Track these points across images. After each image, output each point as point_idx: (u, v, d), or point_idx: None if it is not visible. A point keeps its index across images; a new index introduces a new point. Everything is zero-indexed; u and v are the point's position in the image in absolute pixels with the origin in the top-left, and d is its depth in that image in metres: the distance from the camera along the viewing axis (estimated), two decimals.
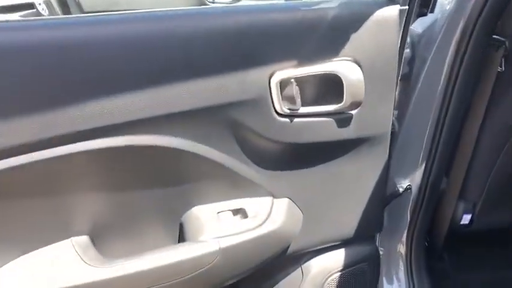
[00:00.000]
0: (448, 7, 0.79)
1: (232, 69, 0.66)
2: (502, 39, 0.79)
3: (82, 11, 2.03)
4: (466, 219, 1.00)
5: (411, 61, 0.87)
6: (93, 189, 0.67)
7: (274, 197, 0.76)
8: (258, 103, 0.68)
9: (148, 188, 0.70)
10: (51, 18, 0.98)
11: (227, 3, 2.10)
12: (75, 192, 0.67)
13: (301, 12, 0.69)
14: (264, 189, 0.75)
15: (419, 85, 0.87)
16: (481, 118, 0.88)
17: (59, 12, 1.93)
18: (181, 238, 0.75)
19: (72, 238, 0.70)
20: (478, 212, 0.99)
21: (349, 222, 0.85)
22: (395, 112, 0.88)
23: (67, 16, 0.97)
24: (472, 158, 0.93)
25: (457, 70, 0.79)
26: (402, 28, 0.75)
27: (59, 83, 0.60)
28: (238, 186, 0.73)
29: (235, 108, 0.67)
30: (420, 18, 0.81)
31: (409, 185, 0.93)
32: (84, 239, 0.70)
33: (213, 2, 2.02)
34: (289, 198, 0.77)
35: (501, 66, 0.81)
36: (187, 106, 0.65)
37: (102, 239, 0.72)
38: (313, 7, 0.70)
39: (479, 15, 0.74)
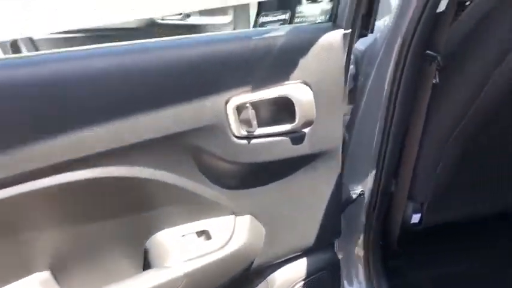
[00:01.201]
0: (384, 27, 0.87)
1: (190, 98, 0.68)
2: (435, 54, 0.87)
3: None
4: (415, 218, 1.08)
5: (356, 77, 0.94)
6: (55, 223, 0.67)
7: (237, 215, 0.79)
8: (216, 128, 0.71)
9: (110, 219, 0.70)
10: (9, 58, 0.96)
11: (177, 20, 2.12)
12: (37, 227, 0.66)
13: (253, 41, 0.73)
14: (226, 208, 0.78)
15: (364, 98, 0.93)
16: (422, 125, 0.96)
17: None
18: (147, 265, 0.76)
19: (35, 274, 0.69)
20: (426, 211, 1.08)
21: (309, 233, 0.89)
22: (346, 120, 0.95)
23: (29, 54, 0.96)
24: (417, 162, 1.01)
25: (398, 83, 0.87)
26: (347, 49, 0.81)
27: (17, 120, 0.60)
28: (201, 208, 0.76)
29: (194, 135, 0.70)
30: (362, 38, 0.87)
31: (362, 190, 0.99)
32: (47, 274, 0.70)
33: (163, 20, 2.03)
34: (251, 215, 0.81)
35: (436, 79, 0.89)
36: (147, 136, 0.66)
37: (66, 273, 0.72)
38: (263, 35, 0.74)
39: (414, 33, 0.82)
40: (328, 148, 0.83)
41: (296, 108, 0.74)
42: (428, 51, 0.87)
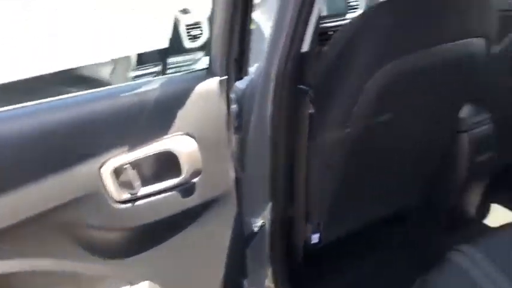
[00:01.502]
0: (258, 67, 0.91)
1: (60, 168, 0.63)
2: (306, 88, 0.93)
3: None
4: (315, 238, 1.14)
5: (239, 114, 0.97)
6: None
7: (133, 283, 0.75)
8: (93, 197, 0.66)
9: None
10: None
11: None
12: None
13: (126, 96, 0.70)
14: (120, 280, 0.73)
15: (250, 133, 0.96)
16: (305, 150, 1.02)
17: None
18: None
19: None
20: (323, 229, 1.14)
21: (214, 279, 0.88)
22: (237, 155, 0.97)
23: None
24: (307, 185, 1.06)
25: (278, 117, 0.91)
26: (225, 94, 0.83)
27: None
28: (92, 286, 0.70)
29: (68, 209, 0.64)
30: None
31: (263, 222, 1.02)
32: None
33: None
34: (150, 281, 0.77)
35: (311, 109, 0.96)
36: (14, 219, 0.60)
37: None
38: (136, 91, 0.72)
39: (284, 71, 0.87)
40: (221, 193, 0.84)
41: (180, 160, 0.73)
42: (300, 86, 0.93)
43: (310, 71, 0.92)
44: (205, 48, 0.83)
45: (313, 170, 1.07)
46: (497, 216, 1.80)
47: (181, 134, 0.73)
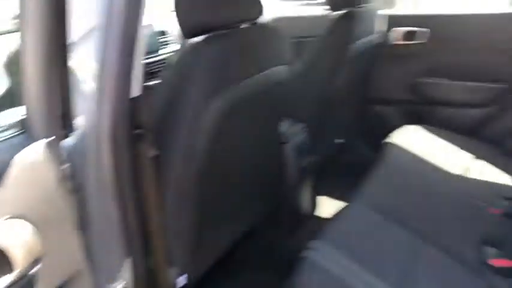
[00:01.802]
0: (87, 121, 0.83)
1: None
2: (143, 131, 0.89)
3: None
4: (181, 281, 1.10)
5: (74, 175, 0.86)
6: None
7: None
8: None
9: None
10: None
11: None
12: None
13: None
14: None
15: (89, 192, 0.87)
16: (155, 195, 0.98)
17: None
18: None
19: None
20: (189, 267, 1.12)
21: None
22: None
23: None
24: (162, 230, 1.02)
25: (118, 166, 0.84)
26: (53, 156, 0.72)
27: None
28: None
29: None
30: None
31: (125, 282, 0.93)
32: None
33: None
34: None
35: (154, 151, 0.92)
36: None
37: None
38: None
39: (117, 117, 0.81)
40: (71, 275, 0.72)
41: (10, 253, 0.60)
42: (137, 131, 0.89)
43: (145, 113, 0.89)
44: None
45: (167, 212, 1.04)
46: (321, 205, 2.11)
47: (6, 219, 0.60)
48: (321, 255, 1.09)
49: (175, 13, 0.92)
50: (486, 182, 1.57)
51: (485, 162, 1.69)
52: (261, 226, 1.50)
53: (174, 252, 1.08)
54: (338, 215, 1.26)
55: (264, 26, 1.07)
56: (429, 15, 1.98)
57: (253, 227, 1.44)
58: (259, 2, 1.02)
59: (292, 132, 1.55)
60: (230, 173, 1.20)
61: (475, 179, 1.59)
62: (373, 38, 1.72)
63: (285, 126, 1.53)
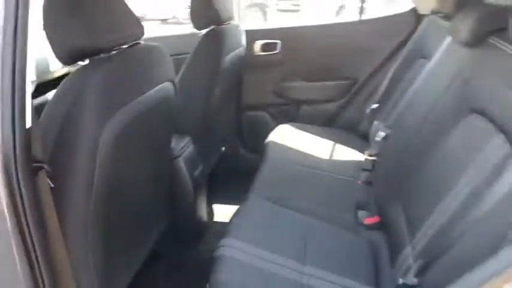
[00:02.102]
0: None
1: None
2: (40, 164, 0.87)
3: None
4: None
5: None
6: None
7: None
8: None
9: None
10: None
11: None
12: None
13: None
14: None
15: None
16: (58, 231, 0.95)
17: None
18: None
19: None
20: None
21: None
22: None
23: None
24: (70, 265, 0.99)
25: (15, 203, 0.81)
26: None
27: None
28: None
29: None
30: None
31: None
32: None
33: None
34: None
35: (51, 184, 0.91)
36: None
37: None
38: None
39: (13, 152, 0.79)
40: None
41: None
42: (34, 164, 0.87)
43: (41, 145, 0.88)
44: None
45: (73, 247, 1.02)
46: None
47: None
48: (232, 250, 1.20)
49: (48, 41, 0.91)
50: (348, 161, 1.89)
51: (344, 146, 2.02)
52: (165, 242, 1.53)
53: (83, 286, 1.05)
54: (238, 213, 1.38)
55: (148, 45, 1.13)
56: (279, 29, 2.28)
57: (158, 245, 1.47)
58: (140, 23, 1.08)
59: (181, 146, 1.63)
60: (130, 194, 1.22)
61: (340, 160, 1.90)
62: (239, 51, 1.91)
63: (174, 141, 1.61)
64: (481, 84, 1.06)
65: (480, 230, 0.77)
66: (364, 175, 1.71)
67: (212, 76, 1.67)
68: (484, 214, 0.77)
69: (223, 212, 2.20)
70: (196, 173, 1.71)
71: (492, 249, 0.69)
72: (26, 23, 0.72)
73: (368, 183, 1.69)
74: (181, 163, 1.59)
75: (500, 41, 1.06)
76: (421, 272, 0.90)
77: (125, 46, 1.04)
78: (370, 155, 1.73)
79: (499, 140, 0.90)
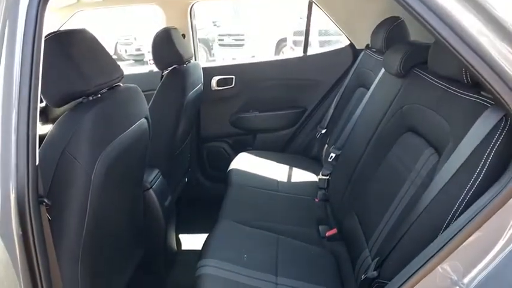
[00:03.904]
0: None
1: None
2: (41, 198, 0.94)
3: None
4: None
5: None
6: None
7: None
8: None
9: None
10: None
11: None
12: None
13: None
14: None
15: None
16: (55, 263, 1.00)
17: None
18: None
19: None
20: None
21: None
22: None
23: None
24: None
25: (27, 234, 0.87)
26: None
27: None
28: None
29: None
30: None
31: None
32: None
33: None
34: None
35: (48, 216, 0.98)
36: None
37: None
38: None
39: (27, 186, 0.86)
40: None
41: None
42: (39, 198, 0.93)
43: (41, 180, 0.95)
44: None
45: (66, 274, 1.07)
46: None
47: None
48: (211, 268, 1.30)
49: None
50: (305, 182, 2.08)
51: (299, 169, 2.21)
52: (139, 271, 1.59)
53: None
54: (212, 235, 1.49)
55: (127, 87, 1.25)
56: (233, 65, 2.47)
57: (134, 274, 1.52)
58: (120, 67, 1.21)
59: (152, 178, 1.72)
60: (114, 224, 1.30)
61: (297, 182, 2.08)
62: (199, 87, 2.07)
63: (145, 174, 1.69)
64: (411, 107, 1.29)
65: (421, 224, 0.96)
66: (320, 193, 1.90)
67: (177, 111, 1.80)
68: (423, 211, 0.96)
69: (189, 241, 2.26)
70: (166, 203, 1.79)
71: (432, 238, 0.88)
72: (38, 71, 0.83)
73: (325, 200, 1.87)
74: (152, 195, 1.68)
75: (422, 72, 1.30)
76: (379, 266, 1.07)
77: (106, 88, 1.16)
78: (324, 175, 1.92)
79: (429, 151, 1.12)
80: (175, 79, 1.80)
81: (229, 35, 9.18)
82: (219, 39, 9.19)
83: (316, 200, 1.89)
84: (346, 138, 1.84)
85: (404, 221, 1.06)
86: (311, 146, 2.41)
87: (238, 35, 9.09)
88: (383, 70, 1.70)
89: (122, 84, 1.22)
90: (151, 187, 1.68)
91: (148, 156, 1.72)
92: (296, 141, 2.52)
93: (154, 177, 1.74)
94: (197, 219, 2.35)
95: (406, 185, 1.16)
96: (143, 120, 1.33)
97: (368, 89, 1.86)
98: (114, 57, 1.82)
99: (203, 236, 1.50)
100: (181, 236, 2.32)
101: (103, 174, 1.07)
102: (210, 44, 8.73)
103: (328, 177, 1.90)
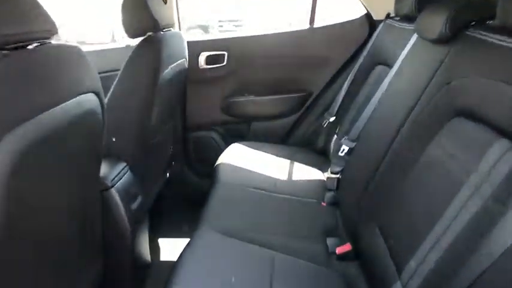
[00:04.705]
0: None
1: None
2: None
3: None
4: None
5: None
6: None
7: None
8: None
9: None
10: None
11: None
12: None
13: None
14: None
15: None
16: None
17: None
18: None
19: None
20: None
21: None
22: None
23: None
24: None
25: None
26: None
27: None
28: None
29: None
30: None
31: None
32: None
33: None
34: None
35: None
36: None
37: None
38: None
39: None
40: None
41: None
42: None
43: None
44: None
45: None
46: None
47: None
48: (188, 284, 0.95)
49: None
50: (309, 181, 1.70)
51: (302, 164, 1.84)
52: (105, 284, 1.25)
53: None
54: (187, 249, 1.14)
55: (61, 46, 0.87)
56: (225, 39, 2.08)
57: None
58: (51, 19, 0.83)
59: (115, 174, 1.35)
60: (45, 234, 0.93)
61: (299, 180, 1.70)
62: (182, 63, 1.68)
63: (106, 169, 1.33)
64: (464, 82, 0.90)
65: (502, 271, 0.59)
66: (329, 196, 1.52)
67: (149, 91, 1.42)
68: (506, 252, 0.59)
69: (170, 248, 1.92)
70: (135, 205, 1.42)
71: None
72: None
73: (334, 204, 1.50)
74: (114, 195, 1.31)
75: (481, 32, 0.92)
76: None
77: (30, 46, 0.78)
78: (333, 173, 1.54)
79: (502, 145, 0.74)
80: (147, 49, 1.42)
81: (230, 20, 8.80)
82: (219, 26, 8.82)
83: (323, 204, 1.52)
84: (362, 127, 1.46)
85: (466, 253, 0.69)
86: (317, 136, 2.03)
87: (238, 20, 8.71)
88: (414, 39, 1.32)
89: (53, 42, 0.85)
90: (112, 186, 1.31)
91: (113, 147, 1.35)
92: (299, 130, 2.14)
93: (118, 173, 1.37)
94: (182, 221, 2.02)
95: (464, 194, 0.78)
96: (89, 96, 0.95)
97: (390, 66, 1.48)
98: None
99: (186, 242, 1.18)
100: (162, 242, 1.97)
101: (9, 164, 0.70)
102: (210, 32, 8.38)
103: (338, 175, 1.52)
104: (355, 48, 1.99)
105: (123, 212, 1.33)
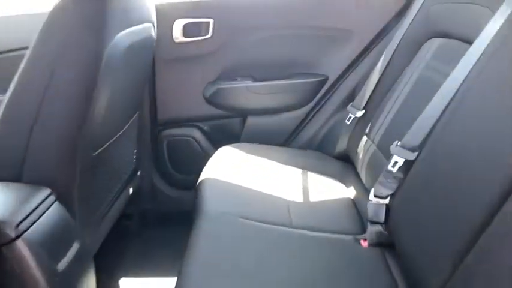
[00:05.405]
0: None
1: None
2: None
3: None
4: None
5: None
6: None
7: None
8: None
9: None
10: None
11: None
12: None
13: None
14: None
15: None
16: None
17: None
18: None
19: None
20: None
21: None
22: None
23: None
24: None
25: None
26: None
27: None
28: None
29: None
30: None
31: None
32: None
33: None
34: None
35: None
36: None
37: None
38: None
39: None
40: None
41: None
42: None
43: None
44: None
45: None
46: None
47: None
48: None
49: None
50: (335, 205, 1.19)
51: (320, 175, 1.34)
52: None
53: None
54: None
55: None
56: (210, 1, 1.53)
57: None
58: None
59: (27, 212, 0.80)
60: None
61: (319, 204, 1.20)
62: (144, 29, 1.13)
63: (12, 204, 0.78)
64: None
65: None
66: (373, 231, 1.01)
67: (88, 71, 0.88)
68: None
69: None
70: (63, 262, 0.87)
71: None
72: None
73: (381, 245, 0.99)
74: (22, 251, 0.76)
75: None
76: None
77: None
78: (379, 196, 1.03)
79: None
80: (80, 4, 0.88)
81: None
82: None
83: (363, 242, 1.01)
84: (429, 129, 0.95)
85: None
86: (335, 137, 1.54)
87: None
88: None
89: None
90: (19, 235, 0.77)
91: (29, 165, 0.84)
92: (310, 128, 1.64)
93: (34, 209, 0.82)
94: (155, 249, 1.51)
95: None
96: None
97: (457, 38, 1.00)
98: None
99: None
100: (125, 282, 1.44)
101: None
102: None
103: (387, 200, 1.01)
104: (389, 18, 1.50)
105: (40, 277, 0.78)
